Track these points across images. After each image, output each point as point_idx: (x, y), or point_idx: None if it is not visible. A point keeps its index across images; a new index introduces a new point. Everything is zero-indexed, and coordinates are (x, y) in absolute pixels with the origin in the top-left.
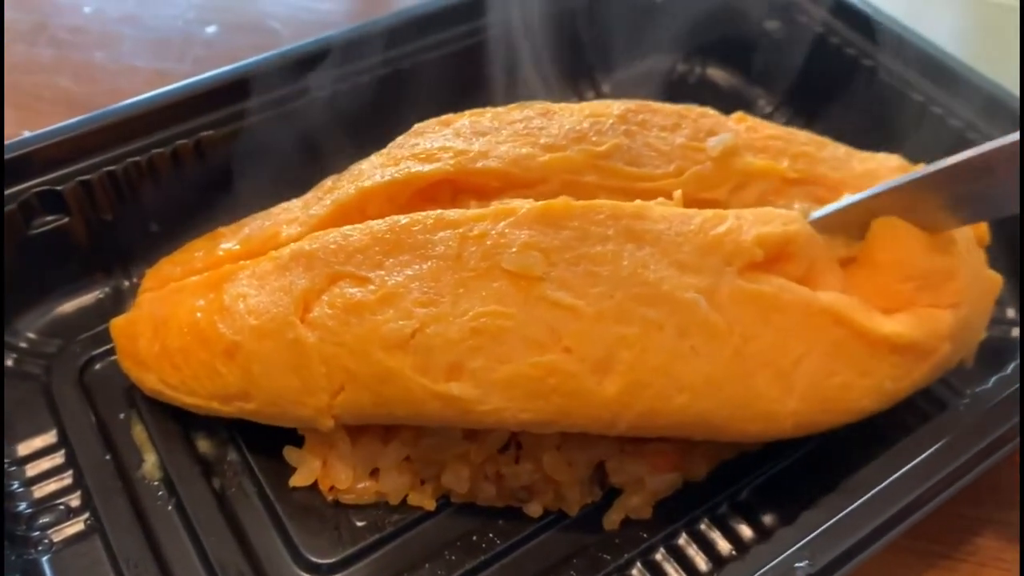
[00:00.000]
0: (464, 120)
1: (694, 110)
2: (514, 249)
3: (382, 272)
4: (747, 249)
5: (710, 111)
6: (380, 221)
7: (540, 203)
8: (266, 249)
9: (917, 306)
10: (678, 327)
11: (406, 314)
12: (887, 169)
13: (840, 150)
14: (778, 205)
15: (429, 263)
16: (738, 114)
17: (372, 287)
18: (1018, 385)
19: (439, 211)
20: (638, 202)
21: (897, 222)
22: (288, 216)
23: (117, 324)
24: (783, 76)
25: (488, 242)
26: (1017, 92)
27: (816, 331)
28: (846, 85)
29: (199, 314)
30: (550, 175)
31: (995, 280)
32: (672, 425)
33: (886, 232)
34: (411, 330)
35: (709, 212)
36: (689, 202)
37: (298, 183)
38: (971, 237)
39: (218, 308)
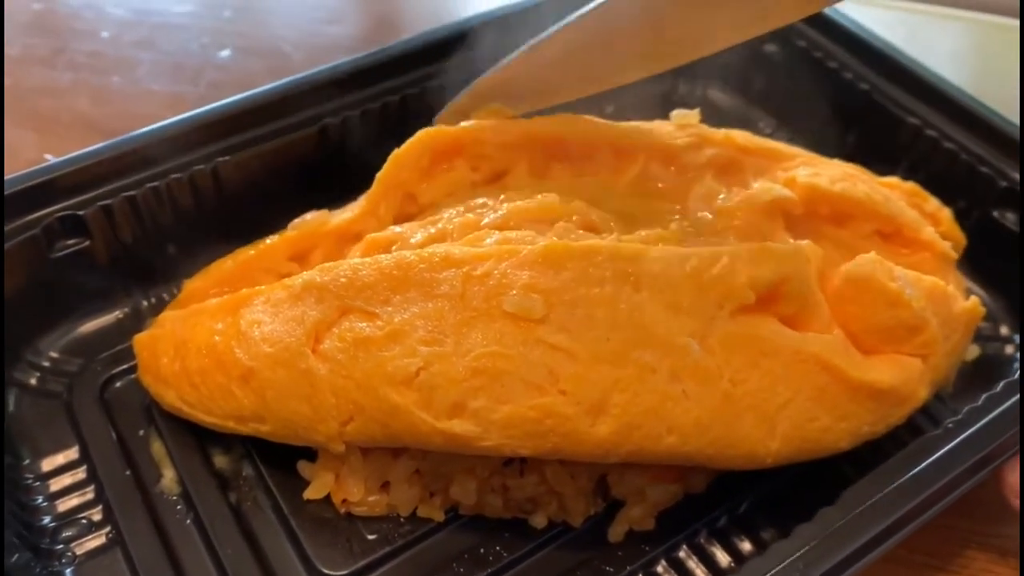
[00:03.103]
0: None
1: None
2: (515, 291)
3: (390, 308)
4: (739, 292)
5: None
6: (387, 256)
7: (541, 244)
8: (316, 237)
9: (884, 353)
10: (671, 370)
11: (411, 352)
12: (834, 164)
13: (795, 149)
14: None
15: (434, 302)
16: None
17: (380, 323)
18: (1009, 403)
19: (445, 248)
20: (636, 244)
21: (866, 277)
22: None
23: (140, 340)
24: (782, 98)
25: (491, 282)
26: (1017, 110)
27: (803, 377)
28: (842, 107)
29: (217, 337)
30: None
31: (975, 313)
32: (660, 460)
33: (854, 285)
34: (416, 368)
35: (705, 251)
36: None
37: (313, 206)
38: (942, 288)
39: (235, 333)
